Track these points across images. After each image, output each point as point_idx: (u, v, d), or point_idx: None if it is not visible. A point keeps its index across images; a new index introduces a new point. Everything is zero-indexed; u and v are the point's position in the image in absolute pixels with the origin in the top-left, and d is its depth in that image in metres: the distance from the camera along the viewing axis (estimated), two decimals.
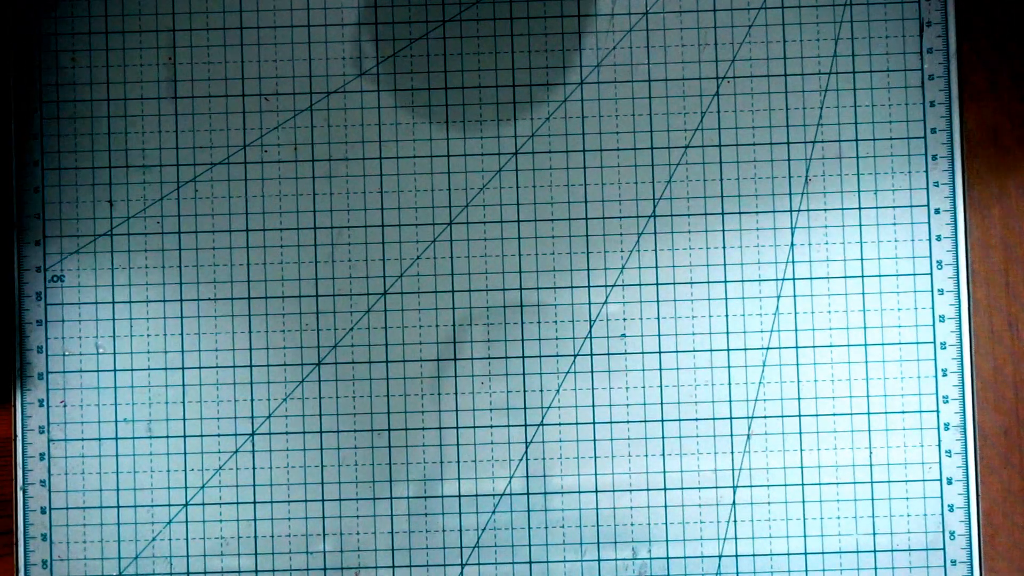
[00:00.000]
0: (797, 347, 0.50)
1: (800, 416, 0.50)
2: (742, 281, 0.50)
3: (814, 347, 0.50)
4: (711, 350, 0.50)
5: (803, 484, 0.49)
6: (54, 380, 0.50)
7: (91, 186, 0.50)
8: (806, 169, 0.50)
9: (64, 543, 0.50)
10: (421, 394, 0.50)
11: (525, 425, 0.50)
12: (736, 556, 0.49)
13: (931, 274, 0.50)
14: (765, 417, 0.50)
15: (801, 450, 0.49)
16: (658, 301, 0.50)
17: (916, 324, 0.50)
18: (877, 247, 0.50)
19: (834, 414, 0.50)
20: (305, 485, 0.50)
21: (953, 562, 0.49)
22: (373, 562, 0.50)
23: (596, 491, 0.50)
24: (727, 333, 0.50)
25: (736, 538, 0.49)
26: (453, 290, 0.50)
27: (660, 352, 0.50)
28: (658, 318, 0.50)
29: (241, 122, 0.50)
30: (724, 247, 0.50)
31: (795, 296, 0.50)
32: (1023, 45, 0.50)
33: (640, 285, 0.50)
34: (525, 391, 0.50)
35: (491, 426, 0.50)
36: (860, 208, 0.50)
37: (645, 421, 0.50)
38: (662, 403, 0.50)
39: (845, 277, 0.50)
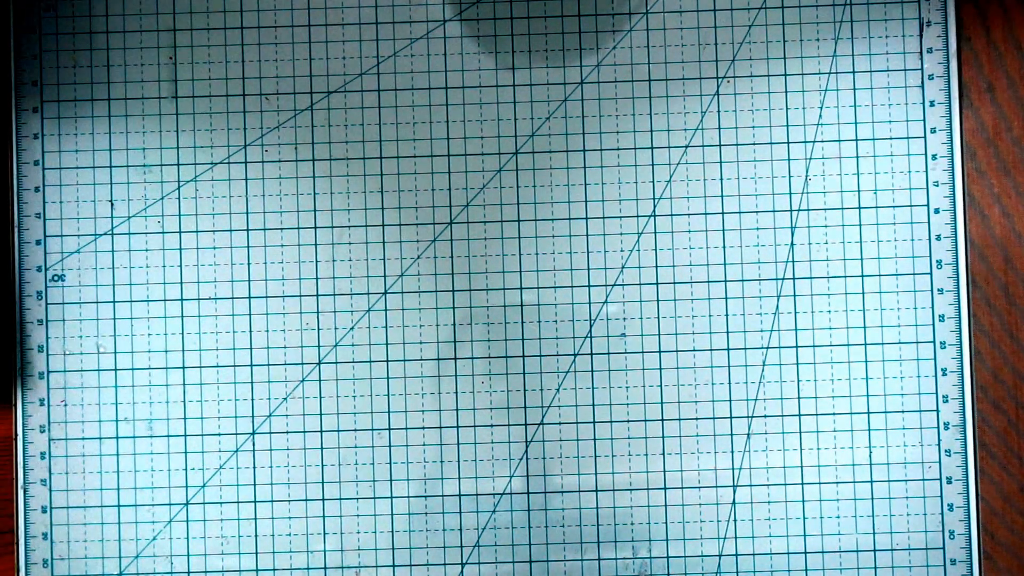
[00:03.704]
0: (797, 347, 0.50)
1: (800, 416, 0.50)
2: (742, 281, 0.50)
3: (814, 347, 0.50)
4: (711, 350, 0.50)
5: (803, 484, 0.50)
6: (55, 379, 0.50)
7: (91, 186, 0.50)
8: (806, 169, 0.50)
9: (65, 542, 0.50)
10: (421, 394, 0.50)
11: (525, 425, 0.50)
12: (736, 556, 0.49)
13: (931, 274, 0.50)
14: (765, 417, 0.50)
15: (801, 450, 0.50)
16: (658, 301, 0.50)
17: (916, 324, 0.50)
18: (877, 247, 0.50)
19: (834, 414, 0.50)
20: (305, 485, 0.50)
21: (953, 561, 0.49)
22: (373, 562, 0.50)
23: (596, 491, 0.50)
24: (727, 333, 0.50)
25: (736, 538, 0.49)
26: (453, 290, 0.50)
27: (660, 352, 0.50)
28: (658, 318, 0.50)
29: (241, 122, 0.51)
30: (724, 247, 0.50)
31: (795, 296, 0.50)
32: (1022, 45, 0.50)
33: (640, 285, 0.50)
34: (525, 391, 0.50)
35: (491, 426, 0.50)
36: (860, 208, 0.50)
37: (645, 421, 0.50)
38: (662, 403, 0.50)
39: (845, 277, 0.50)
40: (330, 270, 0.50)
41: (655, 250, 0.50)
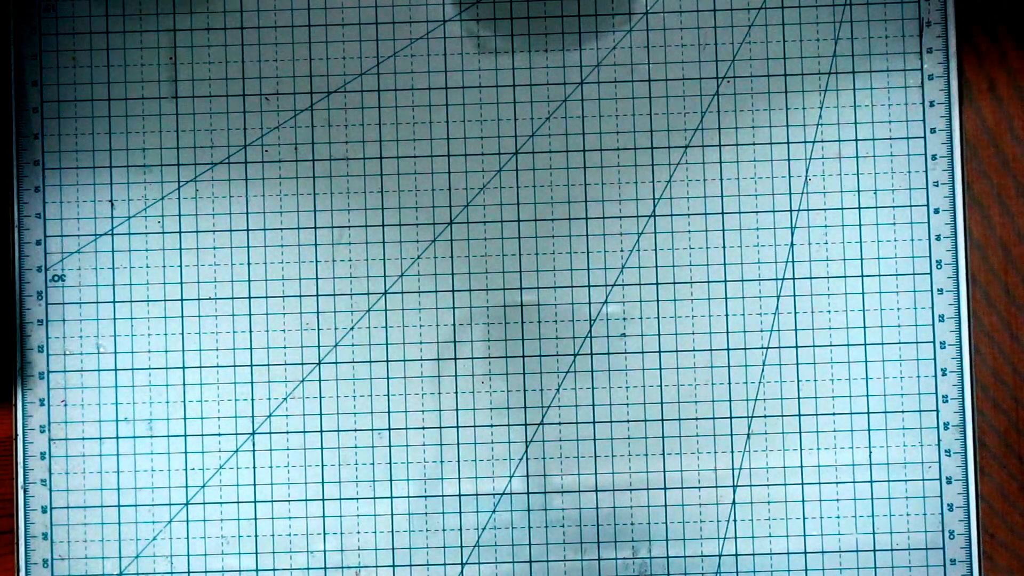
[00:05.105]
0: (797, 347, 0.50)
1: (800, 416, 0.50)
2: (742, 281, 0.50)
3: (814, 347, 0.50)
4: (711, 350, 0.50)
5: (803, 484, 0.50)
6: (55, 379, 0.50)
7: (91, 186, 0.50)
8: (806, 169, 0.50)
9: (65, 542, 0.50)
10: (421, 394, 0.50)
11: (525, 425, 0.50)
12: (736, 556, 0.49)
13: (931, 274, 0.50)
14: (765, 417, 0.50)
15: (801, 450, 0.50)
16: (658, 301, 0.50)
17: (916, 324, 0.50)
18: (877, 247, 0.50)
19: (834, 414, 0.50)
20: (305, 485, 0.50)
21: (953, 561, 0.49)
22: (373, 562, 0.50)
23: (596, 491, 0.50)
24: (727, 333, 0.50)
25: (736, 538, 0.49)
26: (453, 290, 0.50)
27: (660, 352, 0.50)
28: (658, 318, 0.50)
29: (241, 122, 0.51)
30: (724, 247, 0.50)
31: (795, 296, 0.50)
32: (1023, 45, 0.50)
33: (640, 285, 0.50)
34: (525, 391, 0.50)
35: (491, 426, 0.50)
36: (860, 208, 0.50)
37: (645, 421, 0.50)
38: (662, 403, 0.50)
39: (845, 277, 0.50)
40: (330, 270, 0.50)
41: (655, 250, 0.50)
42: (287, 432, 0.50)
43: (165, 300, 0.50)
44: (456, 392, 0.50)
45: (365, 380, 0.50)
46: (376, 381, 0.50)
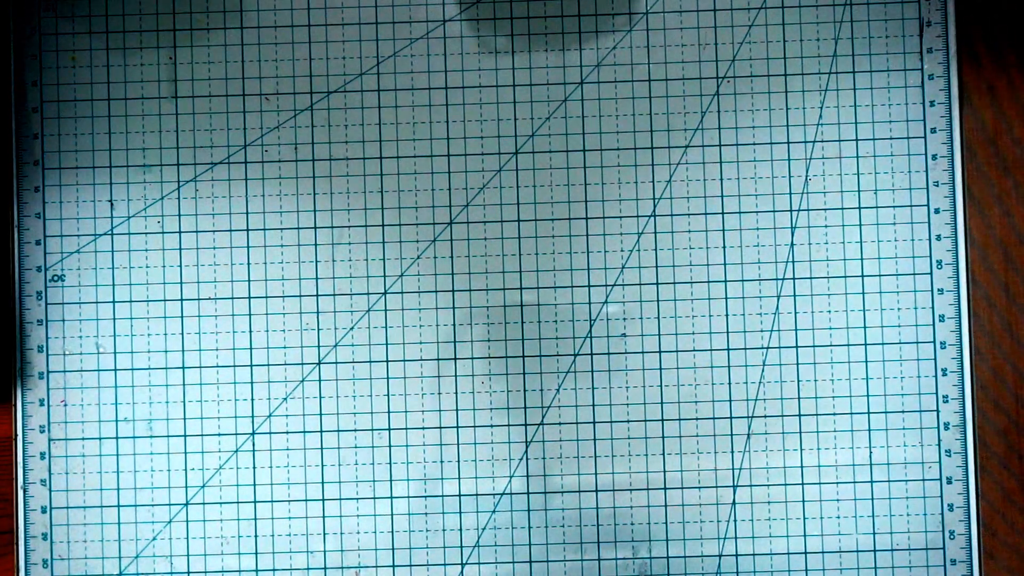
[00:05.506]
0: (797, 347, 0.50)
1: (800, 416, 0.50)
2: (742, 281, 0.50)
3: (814, 347, 0.50)
4: (711, 350, 0.50)
5: (803, 484, 0.50)
6: (54, 379, 0.50)
7: (91, 186, 0.50)
8: (806, 169, 0.50)
9: (64, 542, 0.50)
10: (421, 394, 0.50)
11: (525, 425, 0.50)
12: (736, 556, 0.49)
13: (931, 274, 0.50)
14: (765, 417, 0.50)
15: (801, 450, 0.50)
16: (658, 301, 0.50)
17: (916, 324, 0.50)
18: (877, 247, 0.50)
19: (834, 414, 0.50)
20: (305, 485, 0.50)
21: (953, 561, 0.49)
22: (373, 562, 0.50)
23: (596, 491, 0.50)
24: (727, 333, 0.50)
25: (736, 538, 0.49)
26: (453, 290, 0.50)
27: (660, 352, 0.50)
28: (658, 318, 0.50)
29: (241, 122, 0.51)
30: (724, 247, 0.50)
31: (795, 296, 0.50)
32: (1023, 45, 0.50)
33: (640, 285, 0.50)
34: (525, 391, 0.50)
35: (491, 426, 0.50)
36: (860, 208, 0.50)
37: (645, 421, 0.50)
38: (662, 403, 0.50)
39: (845, 277, 0.50)
40: (330, 270, 0.50)
41: (655, 250, 0.50)
42: (287, 432, 0.50)
43: (165, 300, 0.50)
44: (456, 392, 0.50)
45: (365, 380, 0.50)
46: (376, 381, 0.50)
